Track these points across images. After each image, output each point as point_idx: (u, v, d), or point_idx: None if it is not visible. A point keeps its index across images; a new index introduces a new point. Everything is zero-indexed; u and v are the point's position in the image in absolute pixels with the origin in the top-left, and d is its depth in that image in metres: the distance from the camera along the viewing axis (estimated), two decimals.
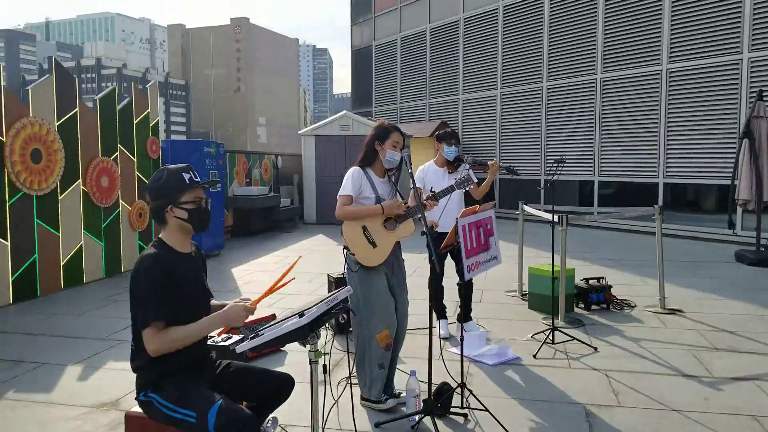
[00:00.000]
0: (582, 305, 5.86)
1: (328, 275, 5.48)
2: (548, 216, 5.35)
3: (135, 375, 2.35)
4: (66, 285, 6.98)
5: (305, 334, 2.03)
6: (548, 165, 13.36)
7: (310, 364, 2.21)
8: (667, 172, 11.24)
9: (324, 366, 2.20)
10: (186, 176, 2.37)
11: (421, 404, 3.32)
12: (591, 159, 12.56)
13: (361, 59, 19.79)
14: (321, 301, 2.20)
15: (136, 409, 2.38)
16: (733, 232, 8.69)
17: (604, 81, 12.26)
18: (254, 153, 13.24)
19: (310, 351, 2.19)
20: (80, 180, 7.19)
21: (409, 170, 3.36)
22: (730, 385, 3.89)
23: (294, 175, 14.68)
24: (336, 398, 3.56)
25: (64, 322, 5.58)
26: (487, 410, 3.35)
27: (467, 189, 3.73)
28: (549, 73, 13.43)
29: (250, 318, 2.60)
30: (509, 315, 5.75)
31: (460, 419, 3.37)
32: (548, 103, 13.47)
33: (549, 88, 13.45)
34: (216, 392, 2.29)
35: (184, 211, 2.36)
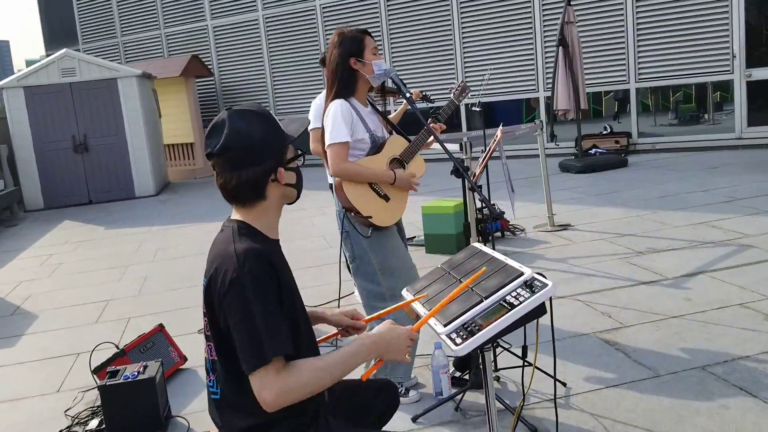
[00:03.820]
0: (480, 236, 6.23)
1: None
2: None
3: None
4: None
5: (544, 309, 1.87)
6: None
7: (482, 352, 2.03)
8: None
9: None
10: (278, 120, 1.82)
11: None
12: None
13: None
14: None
15: None
16: (556, 144, 10.03)
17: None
18: None
19: None
20: None
21: (408, 94, 3.08)
22: (689, 282, 4.58)
23: None
24: None
25: None
26: (530, 364, 3.36)
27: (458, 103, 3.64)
28: None
29: None
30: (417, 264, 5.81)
31: (495, 383, 3.37)
32: (326, 24, 13.51)
33: (324, 7, 13.49)
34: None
35: (293, 172, 1.82)
